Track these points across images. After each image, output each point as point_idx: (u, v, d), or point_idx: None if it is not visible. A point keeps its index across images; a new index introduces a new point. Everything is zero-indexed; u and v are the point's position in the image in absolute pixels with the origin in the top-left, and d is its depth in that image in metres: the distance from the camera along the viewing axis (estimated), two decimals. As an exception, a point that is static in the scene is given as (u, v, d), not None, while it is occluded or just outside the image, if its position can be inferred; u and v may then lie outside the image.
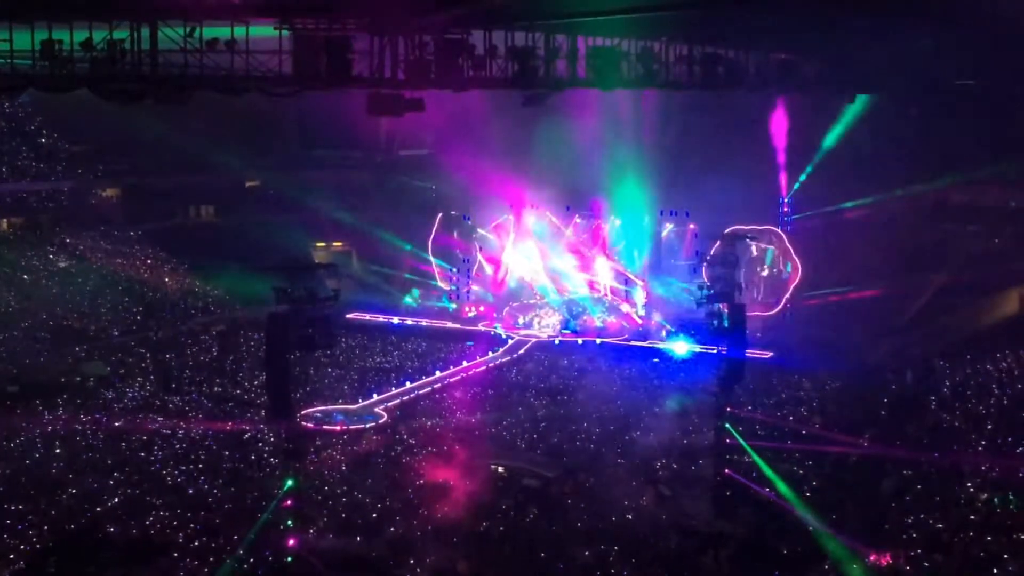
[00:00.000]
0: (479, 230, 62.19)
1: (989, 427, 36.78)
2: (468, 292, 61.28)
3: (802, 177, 56.76)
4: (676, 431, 38.24)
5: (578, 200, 59.80)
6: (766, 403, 41.55)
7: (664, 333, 53.72)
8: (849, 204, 56.45)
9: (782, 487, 31.78)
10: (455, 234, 62.62)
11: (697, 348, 45.25)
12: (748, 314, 35.39)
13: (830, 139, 54.70)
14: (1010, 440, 35.18)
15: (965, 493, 30.58)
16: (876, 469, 33.54)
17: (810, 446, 35.52)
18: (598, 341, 54.57)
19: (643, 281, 58.00)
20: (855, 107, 51.64)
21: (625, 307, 58.22)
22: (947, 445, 34.90)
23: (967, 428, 36.97)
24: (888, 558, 26.44)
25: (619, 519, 30.64)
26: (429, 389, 45.41)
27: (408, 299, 61.43)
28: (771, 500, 31.61)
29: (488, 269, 62.29)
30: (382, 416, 41.35)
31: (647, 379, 46.74)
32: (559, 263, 61.50)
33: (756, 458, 33.25)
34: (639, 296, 57.96)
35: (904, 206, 54.27)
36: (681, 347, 48.70)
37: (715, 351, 34.40)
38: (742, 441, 33.54)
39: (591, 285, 60.27)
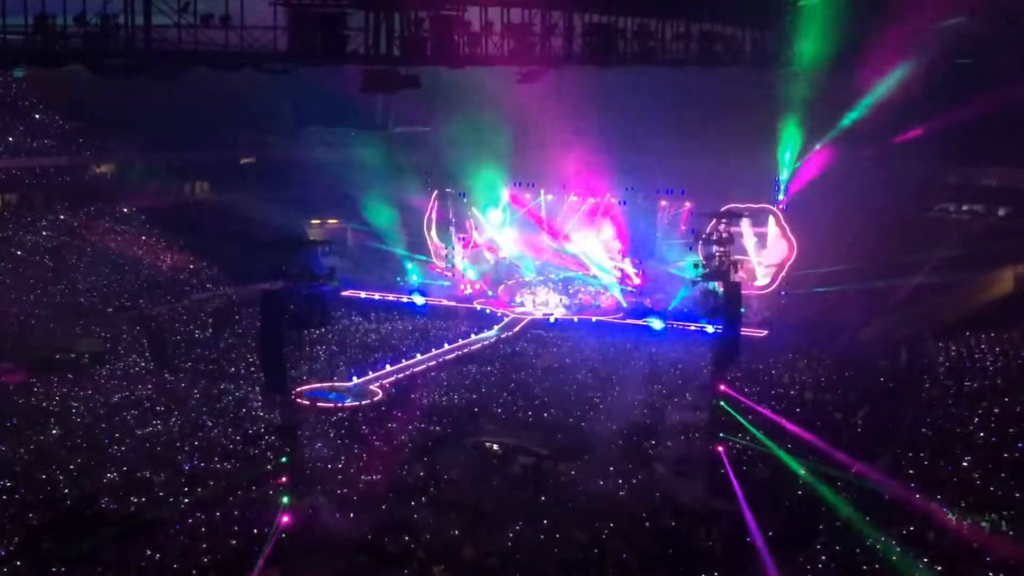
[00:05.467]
0: (474, 208, 62.10)
1: (983, 406, 36.83)
2: (464, 270, 61.23)
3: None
4: (669, 409, 38.32)
5: (573, 179, 59.66)
6: (760, 381, 41.64)
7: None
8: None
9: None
10: (451, 212, 62.53)
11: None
12: (743, 292, 35.34)
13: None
14: (1004, 421, 35.22)
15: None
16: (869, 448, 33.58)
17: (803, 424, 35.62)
18: (593, 319, 54.59)
19: (638, 260, 57.96)
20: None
21: (620, 285, 58.18)
22: (940, 425, 34.99)
23: (960, 408, 37.01)
24: None
25: (613, 497, 30.65)
26: (424, 367, 45.44)
27: (411, 276, 61.26)
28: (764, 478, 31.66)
29: (483, 247, 62.26)
30: (377, 394, 41.40)
31: (641, 357, 46.76)
32: (554, 242, 61.51)
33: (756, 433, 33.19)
34: (633, 274, 58.01)
35: (900, 184, 54.03)
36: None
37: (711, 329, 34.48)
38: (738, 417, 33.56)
39: (586, 264, 60.25)
